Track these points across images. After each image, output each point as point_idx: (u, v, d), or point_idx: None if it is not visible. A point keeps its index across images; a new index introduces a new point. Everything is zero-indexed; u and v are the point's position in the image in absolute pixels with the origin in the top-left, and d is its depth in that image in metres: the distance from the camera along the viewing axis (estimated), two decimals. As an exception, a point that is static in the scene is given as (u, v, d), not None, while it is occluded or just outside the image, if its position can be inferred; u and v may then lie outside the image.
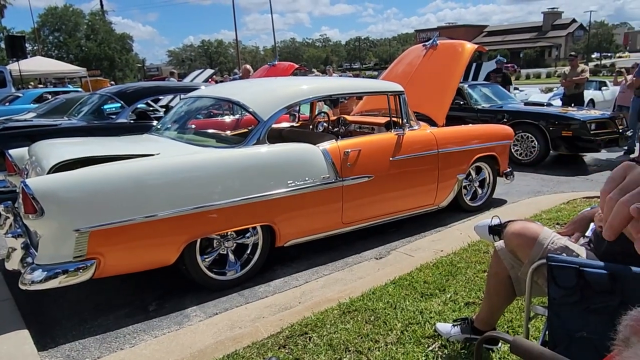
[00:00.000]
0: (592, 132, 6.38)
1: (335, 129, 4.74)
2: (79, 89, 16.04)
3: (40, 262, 2.54)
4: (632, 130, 6.97)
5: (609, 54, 68.46)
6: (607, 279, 1.34)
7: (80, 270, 2.56)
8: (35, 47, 35.62)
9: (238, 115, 5.67)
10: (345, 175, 3.45)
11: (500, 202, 4.88)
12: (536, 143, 6.68)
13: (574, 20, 72.92)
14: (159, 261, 2.88)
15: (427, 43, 5.26)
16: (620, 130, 6.65)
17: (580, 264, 1.41)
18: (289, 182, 3.18)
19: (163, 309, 2.91)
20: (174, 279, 3.21)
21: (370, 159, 3.63)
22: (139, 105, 5.93)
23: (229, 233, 3.11)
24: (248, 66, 8.52)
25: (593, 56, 59.57)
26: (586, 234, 1.77)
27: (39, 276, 2.51)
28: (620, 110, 7.65)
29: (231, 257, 3.18)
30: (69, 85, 18.08)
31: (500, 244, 1.87)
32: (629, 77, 7.69)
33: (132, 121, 5.61)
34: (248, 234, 3.21)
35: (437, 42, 5.20)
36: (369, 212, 3.73)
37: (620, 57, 63.10)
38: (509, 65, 14.84)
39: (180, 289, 3.13)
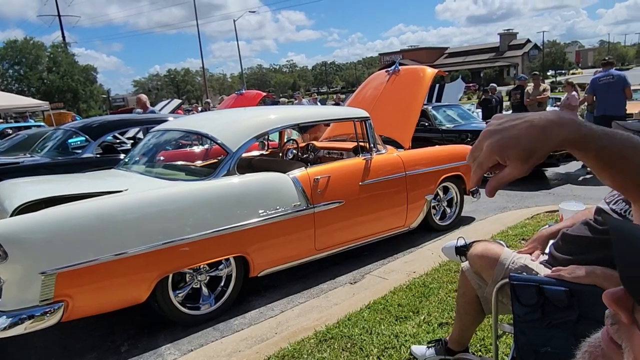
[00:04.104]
0: (550, 147, 6.66)
1: (305, 156, 4.80)
2: (42, 123, 15.67)
3: (4, 308, 2.45)
4: (587, 144, 7.31)
5: (563, 71, 71.99)
6: (565, 295, 1.42)
7: (48, 314, 2.49)
8: (-6, 82, 34.72)
9: (207, 145, 5.67)
10: (316, 202, 3.49)
11: (469, 220, 5.01)
12: (499, 160, 6.91)
13: (528, 41, 76.48)
14: (130, 299, 2.82)
15: (390, 69, 5.44)
16: (577, 145, 6.97)
17: (540, 282, 1.48)
18: (260, 212, 3.19)
19: (136, 348, 2.84)
20: (146, 316, 3.14)
21: (340, 184, 3.69)
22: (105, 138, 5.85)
23: (201, 266, 3.08)
24: (143, 96, 8.16)
25: (549, 74, 62.45)
26: (545, 251, 1.85)
27: (3, 323, 2.41)
28: None
29: (205, 290, 3.14)
30: (31, 120, 17.62)
31: (466, 264, 1.94)
32: (581, 93, 8.13)
33: (98, 155, 5.52)
34: (221, 266, 3.18)
35: (399, 67, 5.38)
36: (342, 237, 3.77)
37: (573, 73, 66.36)
38: (470, 84, 15.56)
39: (153, 327, 3.06)
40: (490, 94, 10.43)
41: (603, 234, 1.50)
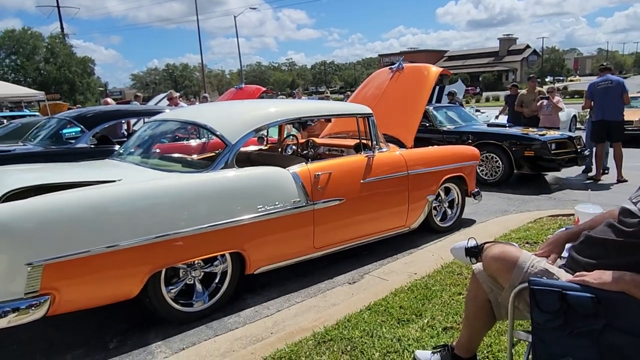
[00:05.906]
0: (552, 151, 6.59)
1: (305, 152, 4.69)
2: (37, 113, 15.49)
3: (-14, 300, 2.32)
4: (589, 149, 7.25)
5: (561, 78, 72.28)
6: (591, 303, 1.31)
7: (33, 308, 2.36)
8: (-11, 71, 34.35)
9: (204, 139, 5.55)
10: (316, 198, 3.38)
11: (470, 222, 4.92)
12: (500, 163, 6.84)
13: (527, 46, 76.77)
14: (121, 294, 2.70)
15: (393, 66, 5.34)
16: (579, 150, 6.90)
17: (563, 287, 1.38)
18: (258, 207, 3.08)
19: (125, 345, 2.72)
20: (137, 312, 3.02)
21: (341, 181, 3.58)
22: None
23: (196, 262, 2.96)
24: (109, 100, 8.75)
25: (547, 80, 62.60)
26: (562, 255, 1.75)
27: (-15, 316, 2.29)
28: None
29: (198, 287, 3.03)
30: (26, 110, 17.40)
31: (478, 266, 1.83)
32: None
33: (92, 146, 5.39)
34: (216, 262, 3.07)
35: (403, 65, 5.28)
36: (341, 236, 3.66)
37: (571, 80, 66.63)
38: (469, 88, 15.73)
39: (144, 323, 2.94)
40: (453, 97, 11.20)
41: (631, 237, 1.39)
